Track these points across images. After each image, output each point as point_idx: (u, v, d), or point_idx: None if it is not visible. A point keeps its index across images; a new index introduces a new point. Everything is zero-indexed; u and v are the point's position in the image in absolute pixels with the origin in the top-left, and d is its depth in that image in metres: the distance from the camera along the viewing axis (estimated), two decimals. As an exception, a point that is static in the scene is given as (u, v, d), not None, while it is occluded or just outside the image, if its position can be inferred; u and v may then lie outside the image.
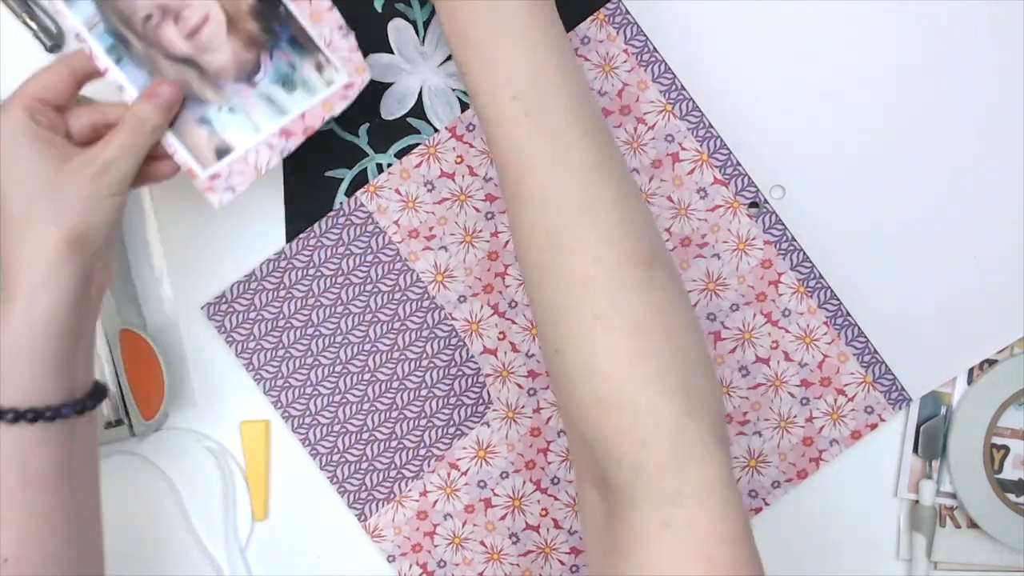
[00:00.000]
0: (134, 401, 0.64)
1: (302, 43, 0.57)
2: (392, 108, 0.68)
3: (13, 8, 0.68)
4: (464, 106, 0.68)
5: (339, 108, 0.58)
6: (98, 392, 0.55)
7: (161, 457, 0.69)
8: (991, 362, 0.67)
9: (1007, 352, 0.67)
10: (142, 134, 0.53)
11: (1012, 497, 0.67)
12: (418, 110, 0.68)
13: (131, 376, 0.64)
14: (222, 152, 0.57)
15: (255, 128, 0.57)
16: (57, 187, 0.49)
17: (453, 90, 0.68)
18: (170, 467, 0.69)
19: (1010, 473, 0.67)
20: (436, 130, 0.67)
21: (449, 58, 0.68)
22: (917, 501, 0.67)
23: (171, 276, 0.68)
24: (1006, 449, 0.67)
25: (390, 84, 0.68)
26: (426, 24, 0.68)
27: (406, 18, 0.68)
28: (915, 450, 0.67)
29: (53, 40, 0.68)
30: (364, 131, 0.68)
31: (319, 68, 0.57)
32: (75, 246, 0.49)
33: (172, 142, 0.56)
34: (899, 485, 0.68)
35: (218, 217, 0.69)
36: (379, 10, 0.68)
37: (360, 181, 0.67)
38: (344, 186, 0.68)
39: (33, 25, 0.68)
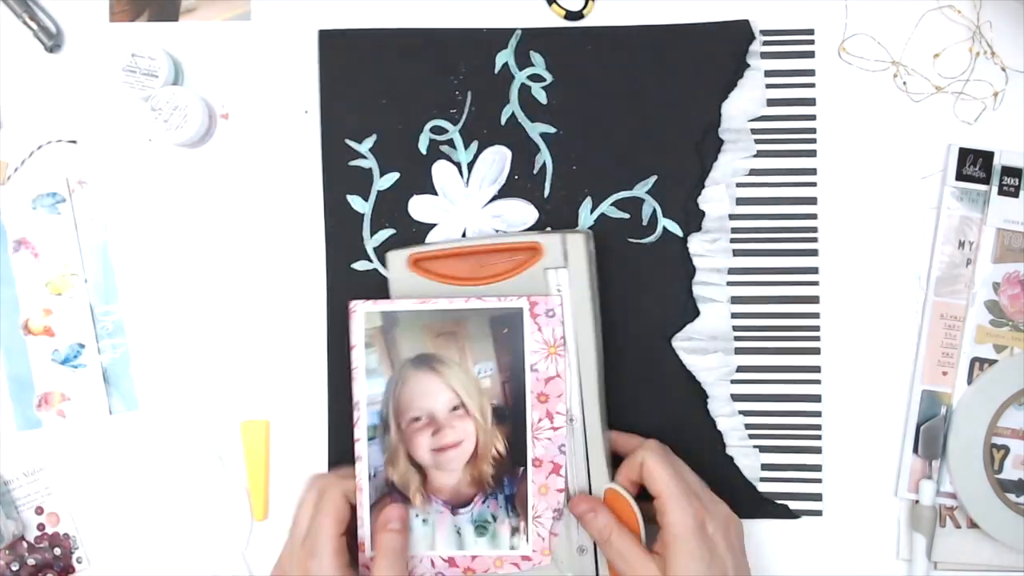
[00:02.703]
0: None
1: (516, 505, 0.61)
2: None
3: (13, 8, 0.69)
4: None
5: (505, 571, 0.62)
6: None
7: (161, 457, 0.69)
8: (991, 362, 0.67)
9: (1007, 352, 0.67)
10: (396, 560, 0.59)
11: (1012, 497, 0.66)
12: None
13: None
14: None
15: (432, 544, 0.62)
16: None
17: (496, 231, 0.68)
18: (170, 467, 0.69)
19: (1010, 473, 0.67)
20: None
21: (493, 199, 0.68)
22: (917, 501, 0.67)
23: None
24: (1006, 449, 0.67)
25: (434, 225, 0.68)
26: (470, 166, 0.68)
27: (450, 159, 0.68)
28: (915, 450, 0.67)
29: (53, 40, 0.69)
30: None
31: (513, 531, 0.62)
32: None
33: (364, 515, 0.61)
34: (899, 485, 0.68)
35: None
36: (424, 151, 0.68)
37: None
38: None
39: (33, 25, 0.68)
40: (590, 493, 0.61)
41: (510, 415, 0.61)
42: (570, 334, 0.62)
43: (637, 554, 0.58)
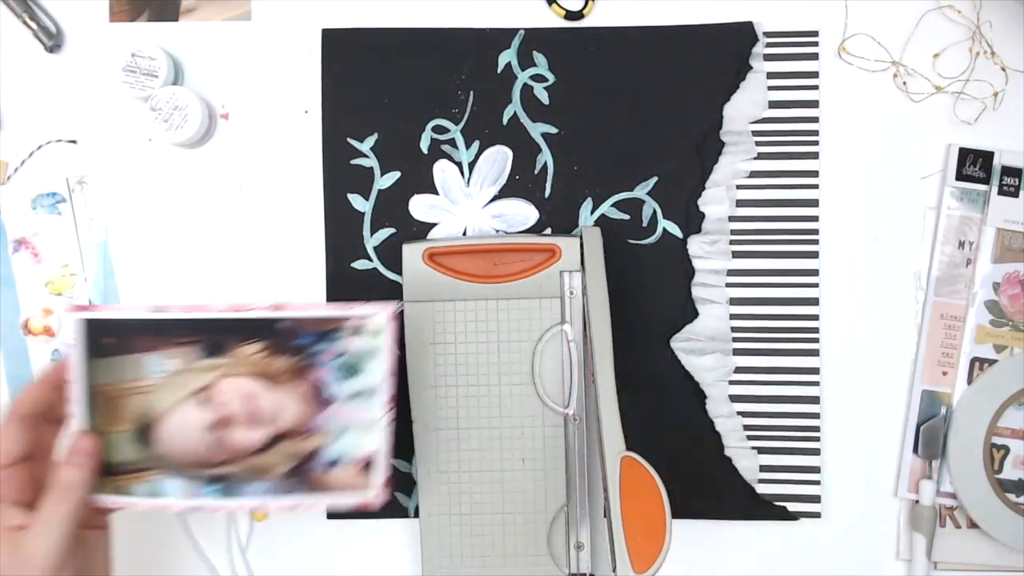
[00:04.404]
0: (626, 546, 0.53)
1: (325, 330, 0.54)
2: None
3: (13, 8, 0.68)
4: None
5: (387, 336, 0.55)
6: None
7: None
8: (991, 362, 0.67)
9: (1007, 352, 0.67)
10: (64, 499, 0.53)
11: (1012, 497, 0.67)
12: None
13: (628, 512, 0.53)
14: (369, 464, 0.56)
15: (372, 422, 0.55)
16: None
17: (496, 231, 0.68)
18: (170, 467, 0.69)
19: (1010, 473, 0.67)
20: None
21: (493, 199, 0.68)
22: (917, 501, 0.67)
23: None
24: (1006, 449, 0.67)
25: (435, 224, 0.68)
26: (471, 165, 0.68)
27: (452, 159, 0.68)
28: (915, 450, 0.67)
29: (53, 40, 0.68)
30: None
31: (358, 331, 0.54)
32: None
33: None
34: (899, 485, 0.68)
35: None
36: (425, 151, 0.68)
37: (400, 321, 0.66)
38: None
39: (33, 25, 0.68)
40: (603, 462, 0.55)
41: None
42: (589, 322, 0.61)
43: None
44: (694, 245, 0.68)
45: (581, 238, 0.64)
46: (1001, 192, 0.67)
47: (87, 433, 0.54)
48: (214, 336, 0.54)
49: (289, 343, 0.54)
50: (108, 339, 0.54)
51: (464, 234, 0.68)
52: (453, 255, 0.65)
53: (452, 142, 0.68)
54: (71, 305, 0.55)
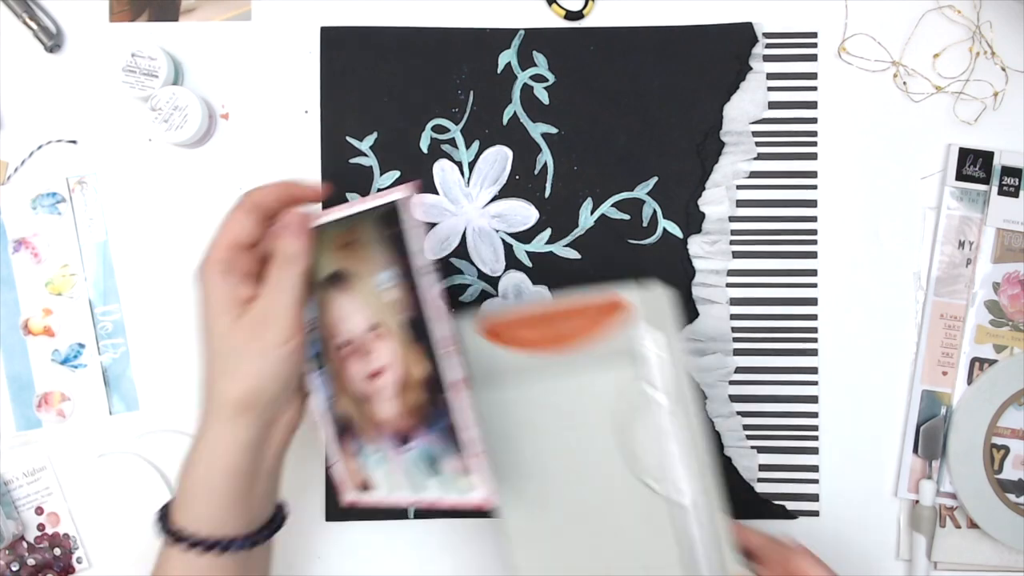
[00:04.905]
0: None
1: (454, 438, 0.53)
2: (436, 248, 0.68)
3: (13, 8, 0.69)
4: (506, 247, 0.68)
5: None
6: (275, 522, 0.57)
7: (161, 457, 0.69)
8: (991, 362, 0.67)
9: (1007, 352, 0.67)
10: (289, 266, 0.53)
11: (1012, 497, 0.67)
12: (462, 250, 0.68)
13: None
14: (366, 485, 0.58)
15: (390, 487, 0.57)
16: (232, 349, 0.52)
17: (496, 231, 0.68)
18: (170, 467, 0.69)
19: (1010, 473, 0.67)
20: (479, 270, 0.68)
21: (493, 199, 0.68)
22: (917, 501, 0.67)
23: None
24: (1006, 449, 0.67)
25: (434, 224, 0.68)
26: (471, 165, 0.68)
27: (451, 159, 0.68)
28: (915, 450, 0.67)
29: (53, 40, 0.68)
30: None
31: (466, 471, 0.54)
32: (247, 404, 0.52)
33: (334, 453, 0.58)
34: (899, 485, 0.68)
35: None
36: (425, 151, 0.68)
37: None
38: None
39: (33, 25, 0.68)
40: None
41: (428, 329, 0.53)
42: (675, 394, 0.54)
43: None
44: (694, 245, 0.68)
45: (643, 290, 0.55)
46: (1001, 192, 0.67)
47: (299, 211, 0.54)
48: (423, 329, 0.53)
49: (438, 396, 0.54)
50: (393, 227, 0.52)
51: (465, 235, 0.68)
52: (512, 327, 0.58)
53: (452, 142, 0.68)
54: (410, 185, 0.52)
